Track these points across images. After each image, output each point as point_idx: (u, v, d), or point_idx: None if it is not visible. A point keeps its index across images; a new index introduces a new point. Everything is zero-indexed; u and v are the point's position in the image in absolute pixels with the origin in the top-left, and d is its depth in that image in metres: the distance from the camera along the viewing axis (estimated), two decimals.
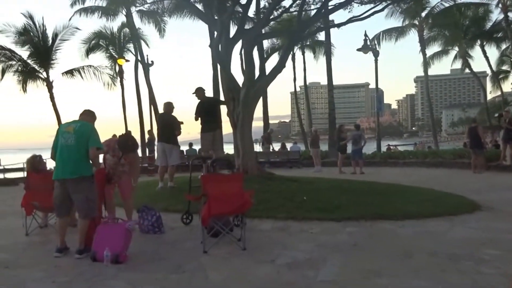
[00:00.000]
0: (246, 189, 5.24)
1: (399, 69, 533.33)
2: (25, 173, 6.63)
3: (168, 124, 8.78)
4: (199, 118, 9.01)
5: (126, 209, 5.96)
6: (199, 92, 9.26)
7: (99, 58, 28.51)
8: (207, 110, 8.97)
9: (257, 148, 19.30)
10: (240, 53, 10.71)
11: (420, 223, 6.02)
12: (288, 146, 21.55)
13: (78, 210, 4.76)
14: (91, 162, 4.81)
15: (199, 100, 9.15)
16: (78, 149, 4.72)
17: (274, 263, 4.36)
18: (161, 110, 9.68)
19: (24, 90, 21.77)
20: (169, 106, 8.97)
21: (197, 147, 20.29)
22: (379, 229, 5.80)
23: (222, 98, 12.13)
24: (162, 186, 8.76)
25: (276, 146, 22.32)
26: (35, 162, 6.09)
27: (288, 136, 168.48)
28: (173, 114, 8.96)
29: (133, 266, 4.36)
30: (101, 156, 5.26)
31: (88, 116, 5.15)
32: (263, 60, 12.57)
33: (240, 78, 10.45)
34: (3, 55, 20.36)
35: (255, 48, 11.20)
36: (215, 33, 11.16)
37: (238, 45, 10.57)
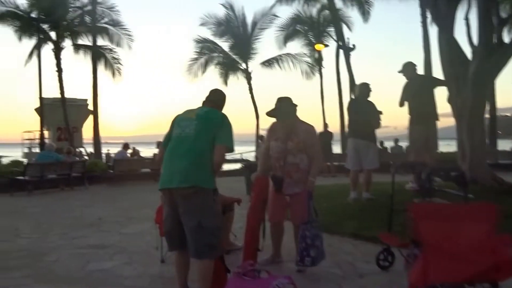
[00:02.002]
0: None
1: None
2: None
3: (364, 114, 6.65)
4: (407, 104, 6.60)
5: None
6: (408, 68, 6.84)
7: (296, 47, 27.94)
8: (419, 93, 6.47)
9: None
10: (466, 18, 7.79)
11: None
12: None
13: (188, 246, 3.15)
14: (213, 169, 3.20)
15: (407, 80, 6.74)
16: (198, 144, 3.16)
17: None
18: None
19: (225, 83, 22.76)
20: (365, 89, 6.82)
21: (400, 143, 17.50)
22: None
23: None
24: (355, 197, 6.74)
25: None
26: None
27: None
28: (369, 99, 6.80)
29: None
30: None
31: (216, 101, 3.55)
32: (501, 22, 9.12)
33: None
34: (206, 47, 21.55)
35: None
36: None
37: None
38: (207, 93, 3.63)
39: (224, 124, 3.30)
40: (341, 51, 22.63)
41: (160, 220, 4.43)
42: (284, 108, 4.20)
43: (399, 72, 6.93)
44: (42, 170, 11.44)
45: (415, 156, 6.59)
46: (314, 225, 3.92)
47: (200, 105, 3.54)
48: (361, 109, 6.68)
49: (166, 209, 3.23)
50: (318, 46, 18.69)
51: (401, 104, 6.63)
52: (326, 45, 19.65)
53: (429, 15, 17.48)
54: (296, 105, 4.26)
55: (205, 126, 3.24)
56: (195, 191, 3.06)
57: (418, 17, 18.32)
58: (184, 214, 3.08)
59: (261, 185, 4.27)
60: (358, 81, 21.71)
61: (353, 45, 20.27)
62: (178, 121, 3.37)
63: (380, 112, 6.72)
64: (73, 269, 4.38)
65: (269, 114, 4.29)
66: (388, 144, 18.53)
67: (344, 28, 22.96)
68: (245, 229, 4.12)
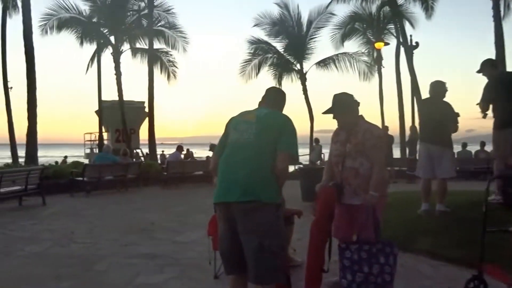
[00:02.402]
0: None
1: None
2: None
3: (438, 115, 5.94)
4: (491, 106, 5.80)
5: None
6: (487, 65, 6.01)
7: (353, 46, 26.91)
8: (508, 92, 5.66)
9: None
10: None
11: None
12: None
13: (248, 269, 2.71)
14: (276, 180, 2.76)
15: (488, 80, 5.93)
16: (259, 151, 2.75)
17: None
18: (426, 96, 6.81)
19: (280, 84, 22.29)
20: (439, 87, 6.08)
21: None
22: None
23: None
24: (426, 209, 6.04)
25: None
26: None
27: None
28: (445, 100, 6.07)
29: None
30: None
31: (275, 101, 3.13)
32: None
33: None
34: (260, 48, 21.22)
35: None
36: None
37: None
38: (263, 93, 3.21)
39: (288, 128, 2.87)
40: (402, 50, 21.54)
41: (213, 232, 4.07)
42: (342, 104, 3.69)
43: (478, 72, 6.12)
44: (100, 171, 11.58)
45: (500, 164, 5.77)
46: (378, 247, 3.30)
47: (257, 106, 3.13)
48: (436, 110, 5.96)
49: (222, 227, 2.83)
50: (379, 44, 17.74)
51: (485, 108, 5.80)
52: (387, 43, 18.61)
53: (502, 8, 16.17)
54: (357, 102, 3.73)
55: (266, 130, 2.82)
56: (256, 206, 2.64)
57: (489, 11, 16.98)
58: (243, 233, 2.66)
59: (326, 196, 3.77)
60: (420, 82, 20.74)
61: (416, 43, 19.12)
62: (234, 125, 2.96)
63: (458, 114, 5.96)
64: (121, 282, 4.12)
65: (326, 112, 3.79)
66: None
67: (406, 25, 21.85)
68: (308, 247, 3.64)
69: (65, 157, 26.63)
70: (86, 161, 18.83)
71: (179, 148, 14.32)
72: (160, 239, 6.03)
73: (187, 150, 19.84)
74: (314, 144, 16.35)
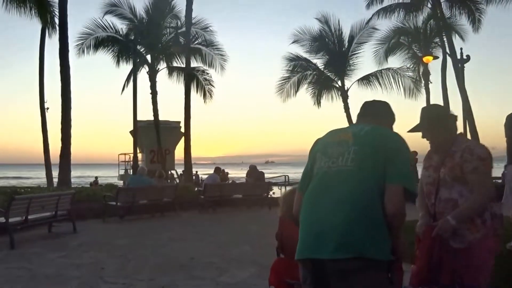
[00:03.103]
0: None
1: None
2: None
3: None
4: None
5: None
6: None
7: (397, 61, 25.74)
8: None
9: None
10: None
11: None
12: None
13: None
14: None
15: None
16: (362, 185, 1.94)
17: None
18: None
19: (318, 103, 21.42)
20: None
21: None
22: None
23: None
24: None
25: None
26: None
27: None
28: None
29: None
30: None
31: (381, 114, 2.33)
32: None
33: None
34: (300, 65, 20.47)
35: None
36: None
37: None
38: (359, 108, 2.38)
39: (400, 151, 2.01)
40: (449, 64, 20.27)
41: (276, 280, 3.16)
42: (433, 119, 2.84)
43: None
44: (133, 195, 10.94)
45: None
46: None
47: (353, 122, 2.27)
48: None
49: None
50: (427, 58, 16.63)
51: None
52: (436, 57, 17.48)
53: None
54: (454, 116, 2.90)
55: (369, 153, 1.99)
56: (361, 265, 1.78)
57: None
58: None
59: (429, 239, 2.85)
60: (472, 99, 19.34)
61: (467, 56, 17.87)
62: (322, 148, 2.12)
63: None
64: None
65: (413, 130, 2.93)
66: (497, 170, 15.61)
67: (455, 39, 20.59)
68: None
69: (96, 178, 26.39)
70: (121, 183, 18.40)
71: (217, 170, 13.55)
72: (202, 279, 5.20)
73: (223, 171, 19.10)
74: None
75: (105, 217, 10.41)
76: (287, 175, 22.88)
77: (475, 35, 20.91)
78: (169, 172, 19.77)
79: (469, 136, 17.89)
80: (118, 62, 19.38)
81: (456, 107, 21.57)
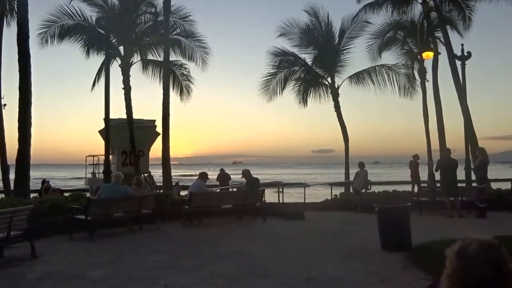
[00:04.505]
0: None
1: None
2: None
3: None
4: None
5: None
6: None
7: (391, 58, 24.60)
8: None
9: None
10: None
11: None
12: None
13: None
14: None
15: None
16: None
17: None
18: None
19: (305, 101, 20.06)
20: None
21: None
22: None
23: None
24: None
25: None
26: None
27: None
28: None
29: None
30: None
31: None
32: None
33: None
34: (286, 61, 19.08)
35: None
36: None
37: None
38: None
39: None
40: (445, 62, 19.20)
41: None
42: None
43: None
44: (107, 208, 9.22)
45: None
46: None
47: None
48: None
49: None
50: (427, 54, 15.54)
51: None
52: (438, 53, 16.41)
53: None
54: None
55: None
56: None
57: None
58: None
59: None
60: (470, 98, 18.34)
61: (468, 53, 16.84)
62: None
63: None
64: None
65: None
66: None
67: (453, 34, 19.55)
68: None
69: (46, 181, 21.12)
70: (89, 191, 16.40)
71: (203, 176, 11.83)
72: None
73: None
74: (359, 169, 13.98)
75: (72, 234, 8.67)
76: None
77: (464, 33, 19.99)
78: (142, 176, 17.93)
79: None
80: (88, 52, 17.41)
81: (450, 110, 20.61)
